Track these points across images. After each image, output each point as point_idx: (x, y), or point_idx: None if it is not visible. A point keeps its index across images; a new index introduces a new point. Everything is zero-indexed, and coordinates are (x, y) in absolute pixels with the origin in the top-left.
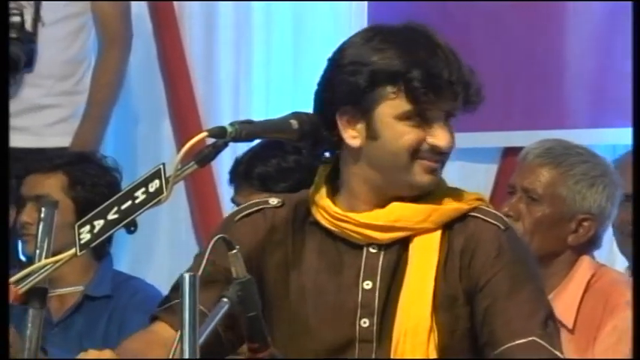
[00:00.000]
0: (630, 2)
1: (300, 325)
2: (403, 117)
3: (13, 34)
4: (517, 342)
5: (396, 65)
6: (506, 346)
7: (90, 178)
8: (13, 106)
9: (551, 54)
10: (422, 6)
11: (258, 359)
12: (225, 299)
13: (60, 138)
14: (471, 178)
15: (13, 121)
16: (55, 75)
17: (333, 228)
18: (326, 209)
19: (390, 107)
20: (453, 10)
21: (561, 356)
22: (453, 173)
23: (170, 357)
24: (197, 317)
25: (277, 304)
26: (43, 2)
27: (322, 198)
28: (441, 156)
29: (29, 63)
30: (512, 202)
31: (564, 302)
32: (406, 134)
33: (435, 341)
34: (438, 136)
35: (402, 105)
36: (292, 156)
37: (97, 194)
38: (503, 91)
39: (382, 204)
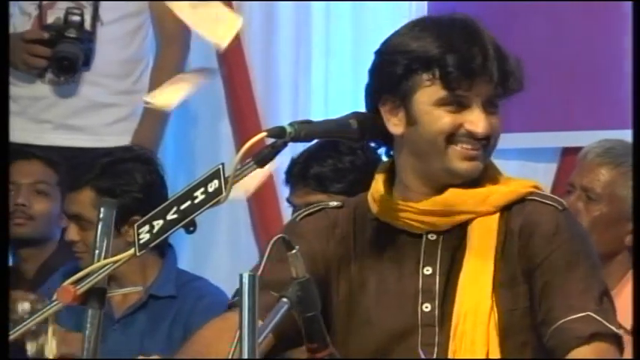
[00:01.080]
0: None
1: (361, 316)
2: (439, 103)
3: (72, 34)
4: (572, 317)
5: (430, 52)
6: (562, 320)
7: (119, 187)
8: (72, 105)
9: (612, 53)
10: (483, 5)
11: (317, 359)
12: (284, 299)
13: (118, 137)
14: (531, 177)
15: (72, 120)
16: (113, 74)
17: (392, 220)
18: (385, 202)
19: (427, 94)
20: (514, 9)
21: (616, 331)
22: (512, 172)
23: (230, 357)
24: (256, 317)
25: (339, 297)
26: (102, 2)
27: (380, 191)
28: (479, 142)
29: (87, 62)
30: (570, 200)
31: (622, 304)
32: (441, 119)
33: (495, 320)
34: (474, 122)
35: (437, 91)
36: (348, 157)
37: (130, 200)
38: (564, 91)
39: (437, 192)
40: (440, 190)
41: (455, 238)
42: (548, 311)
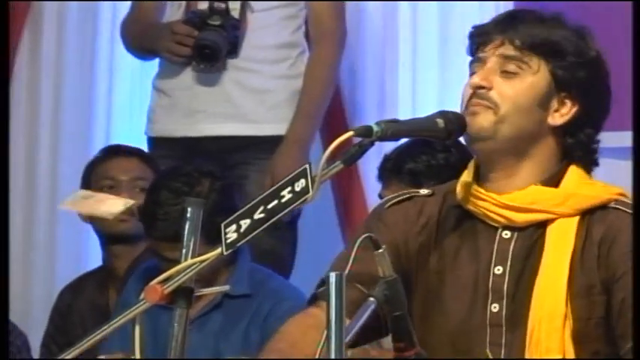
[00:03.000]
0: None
1: (436, 305)
2: (470, 71)
3: (215, 22)
4: None
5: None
6: None
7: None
8: (223, 91)
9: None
10: (568, 5)
11: (405, 359)
12: (372, 298)
13: (275, 125)
14: (616, 176)
15: (225, 108)
16: (267, 59)
17: (472, 208)
18: (468, 188)
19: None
20: (603, 8)
21: None
22: (598, 170)
23: (317, 356)
24: (343, 317)
25: (418, 285)
26: None
27: (467, 178)
28: (479, 97)
29: (234, 50)
30: None
31: None
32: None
33: (570, 328)
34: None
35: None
36: (441, 154)
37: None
38: None
39: (520, 188)
40: (523, 186)
41: (530, 238)
42: (625, 327)
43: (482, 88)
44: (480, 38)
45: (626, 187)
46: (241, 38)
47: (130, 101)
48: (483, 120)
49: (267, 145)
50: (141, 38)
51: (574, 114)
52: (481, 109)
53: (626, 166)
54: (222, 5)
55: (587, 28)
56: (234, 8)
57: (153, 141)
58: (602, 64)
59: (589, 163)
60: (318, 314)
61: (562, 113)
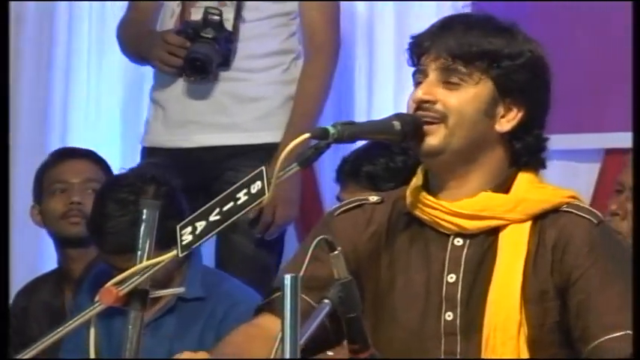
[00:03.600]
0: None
1: (388, 313)
2: (414, 82)
3: (208, 34)
4: (610, 336)
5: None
6: (600, 340)
7: None
8: (216, 102)
9: None
10: (526, 6)
11: None
12: (326, 300)
13: (269, 133)
14: (574, 178)
15: (218, 118)
16: (258, 67)
17: (423, 216)
18: (417, 195)
19: None
20: (555, 9)
21: None
22: (555, 173)
23: (272, 357)
24: (298, 318)
25: (368, 294)
26: (246, 2)
27: (417, 186)
28: (428, 112)
29: (226, 62)
30: (620, 201)
31: None
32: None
33: (525, 335)
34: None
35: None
36: (400, 156)
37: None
38: (606, 92)
39: (470, 195)
40: (473, 194)
41: (482, 245)
42: (584, 329)
43: (427, 102)
44: (417, 49)
45: (578, 188)
46: (234, 49)
47: (86, 105)
48: (433, 139)
49: (261, 152)
50: (136, 44)
51: (520, 118)
52: (431, 129)
53: (583, 168)
54: (216, 18)
55: (515, 25)
56: (227, 19)
57: (147, 151)
58: (537, 61)
59: (539, 165)
60: (263, 325)
61: (508, 119)
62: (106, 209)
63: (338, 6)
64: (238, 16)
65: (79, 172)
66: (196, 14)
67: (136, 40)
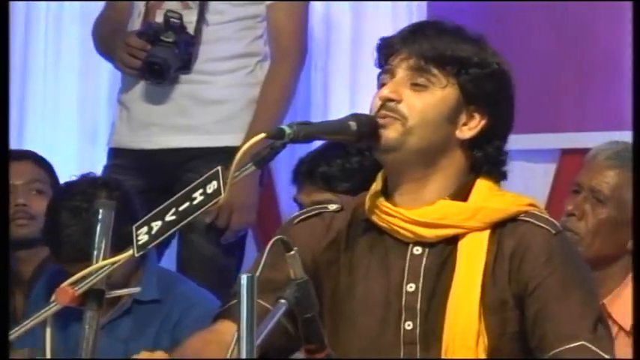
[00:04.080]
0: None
1: (346, 321)
2: (378, 83)
3: (169, 38)
4: (567, 346)
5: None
6: (556, 350)
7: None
8: (178, 104)
9: (612, 55)
10: (482, 5)
11: None
12: (282, 300)
13: (231, 136)
14: (530, 178)
15: (180, 120)
16: (221, 70)
17: (382, 224)
18: (377, 204)
19: None
20: (512, 9)
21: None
22: (511, 174)
23: (228, 357)
24: (255, 318)
25: (327, 301)
26: (210, 3)
27: (375, 194)
28: (384, 109)
29: (186, 66)
30: (577, 201)
31: (622, 305)
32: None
33: (484, 344)
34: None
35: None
36: (356, 157)
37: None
38: (562, 92)
39: (428, 203)
40: (431, 201)
41: (441, 254)
42: (541, 338)
43: (392, 100)
44: (387, 50)
45: (535, 188)
46: (195, 53)
47: (43, 104)
48: (390, 132)
49: (223, 155)
50: (106, 43)
51: (482, 127)
52: (389, 122)
53: (540, 169)
54: (177, 21)
55: (484, 37)
56: (190, 22)
57: (112, 152)
58: (504, 74)
59: (498, 176)
60: (220, 330)
61: (470, 127)
62: (60, 218)
63: (307, 10)
64: (201, 19)
65: (21, 174)
66: (160, 16)
67: (107, 39)
